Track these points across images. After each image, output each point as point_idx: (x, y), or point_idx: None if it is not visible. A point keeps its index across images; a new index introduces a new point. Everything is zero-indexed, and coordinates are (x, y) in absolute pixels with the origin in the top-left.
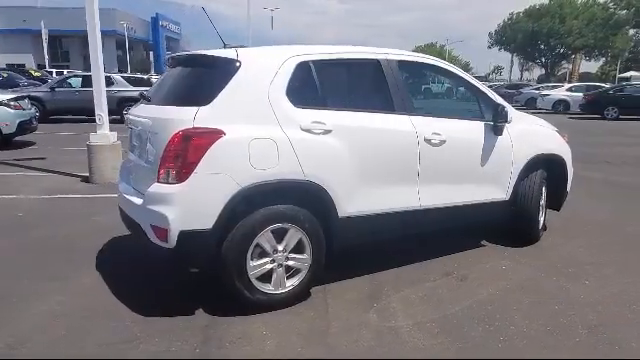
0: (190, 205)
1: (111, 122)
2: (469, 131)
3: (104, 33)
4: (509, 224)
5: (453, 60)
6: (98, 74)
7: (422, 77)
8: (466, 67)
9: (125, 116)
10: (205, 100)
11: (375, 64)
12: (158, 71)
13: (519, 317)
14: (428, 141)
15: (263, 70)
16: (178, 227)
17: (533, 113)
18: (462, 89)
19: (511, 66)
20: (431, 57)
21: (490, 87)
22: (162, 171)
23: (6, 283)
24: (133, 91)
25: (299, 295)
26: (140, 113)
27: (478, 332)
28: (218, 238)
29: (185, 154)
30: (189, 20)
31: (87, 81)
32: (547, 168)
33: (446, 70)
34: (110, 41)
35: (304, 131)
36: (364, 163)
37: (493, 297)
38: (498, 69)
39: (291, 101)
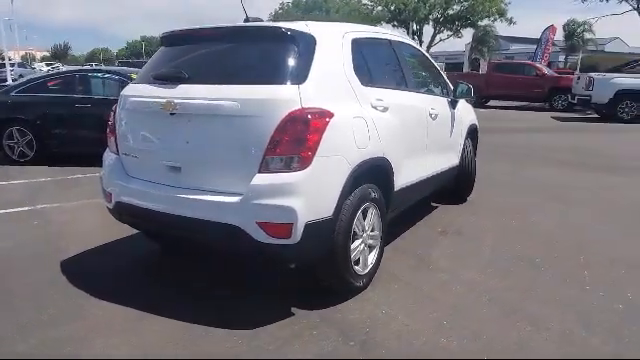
0: (315, 193)
1: None
2: (443, 106)
3: None
4: (455, 185)
5: None
6: None
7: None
8: None
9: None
10: (296, 78)
11: (388, 44)
12: None
13: (533, 250)
14: (430, 115)
15: (334, 45)
16: (305, 219)
17: None
18: (428, 69)
19: None
20: (413, 41)
21: None
22: (271, 158)
23: None
24: None
25: (374, 272)
26: (195, 94)
27: (525, 268)
28: (335, 225)
29: (305, 137)
30: None
31: None
32: (472, 136)
33: (422, 53)
34: None
35: (374, 108)
36: (406, 138)
37: (498, 242)
38: None
39: (358, 78)
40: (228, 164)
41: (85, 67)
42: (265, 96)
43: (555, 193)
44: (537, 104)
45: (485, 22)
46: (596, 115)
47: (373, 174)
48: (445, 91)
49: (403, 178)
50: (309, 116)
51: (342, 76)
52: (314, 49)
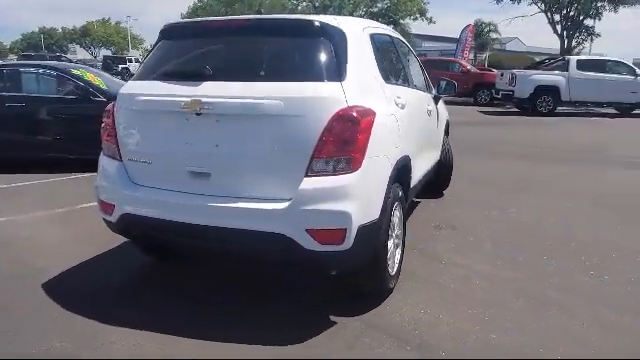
0: (366, 195)
1: None
2: (431, 102)
3: None
4: (435, 179)
5: (135, 39)
6: None
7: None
8: None
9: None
10: (336, 75)
11: (390, 40)
12: None
13: (526, 240)
14: (427, 112)
15: (361, 41)
16: (357, 223)
17: None
18: (416, 65)
19: None
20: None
21: None
22: (320, 160)
23: None
24: None
25: (399, 272)
26: (227, 93)
27: (529, 257)
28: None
29: (355, 137)
30: None
31: None
32: (447, 131)
33: (409, 48)
34: None
35: (396, 106)
36: (417, 135)
37: (492, 234)
38: None
39: (381, 75)
40: (268, 168)
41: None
42: (311, 94)
43: (517, 185)
44: (461, 99)
45: (406, 20)
46: (516, 109)
47: (401, 173)
48: (429, 87)
49: (415, 176)
50: (357, 115)
51: (372, 73)
52: (346, 44)
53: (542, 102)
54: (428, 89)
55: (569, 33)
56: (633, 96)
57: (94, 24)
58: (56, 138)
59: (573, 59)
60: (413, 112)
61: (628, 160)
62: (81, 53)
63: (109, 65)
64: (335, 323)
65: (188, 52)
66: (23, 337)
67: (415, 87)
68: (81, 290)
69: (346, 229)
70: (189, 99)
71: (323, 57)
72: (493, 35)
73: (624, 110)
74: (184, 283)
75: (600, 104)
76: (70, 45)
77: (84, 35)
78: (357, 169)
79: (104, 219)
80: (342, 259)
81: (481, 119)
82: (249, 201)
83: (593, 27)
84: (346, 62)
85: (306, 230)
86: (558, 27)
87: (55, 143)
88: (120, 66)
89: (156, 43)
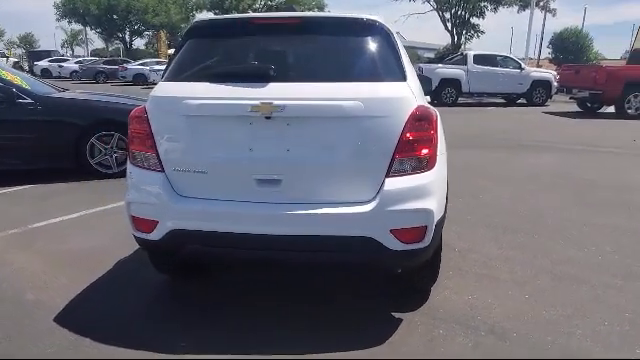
0: (440, 191)
1: None
2: None
3: None
4: None
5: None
6: None
7: None
8: (29, 39)
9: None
10: (399, 74)
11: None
12: None
13: (511, 221)
14: None
15: (399, 39)
16: (436, 219)
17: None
18: None
19: (86, 40)
20: None
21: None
22: (402, 160)
23: None
24: None
25: None
26: (302, 94)
27: (524, 237)
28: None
29: (430, 135)
30: None
31: None
32: None
33: None
34: None
35: (429, 103)
36: None
37: (479, 218)
38: (68, 42)
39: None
40: (347, 171)
41: None
42: (390, 94)
43: (469, 171)
44: None
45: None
46: None
47: None
48: None
49: None
50: (428, 114)
51: (414, 71)
52: (396, 43)
53: (446, 94)
54: None
55: (458, 30)
56: (520, 87)
57: None
58: None
59: (470, 54)
60: None
61: (542, 145)
62: None
63: None
64: (401, 320)
65: (232, 51)
66: None
67: None
68: (100, 320)
69: (427, 226)
70: (258, 102)
71: (384, 56)
72: None
73: (511, 100)
74: (219, 293)
75: (494, 95)
76: None
77: None
78: (433, 166)
79: (138, 238)
80: (419, 256)
81: None
82: (328, 206)
83: (478, 25)
84: (402, 61)
85: (390, 231)
86: (449, 24)
87: None
88: None
89: (184, 41)
